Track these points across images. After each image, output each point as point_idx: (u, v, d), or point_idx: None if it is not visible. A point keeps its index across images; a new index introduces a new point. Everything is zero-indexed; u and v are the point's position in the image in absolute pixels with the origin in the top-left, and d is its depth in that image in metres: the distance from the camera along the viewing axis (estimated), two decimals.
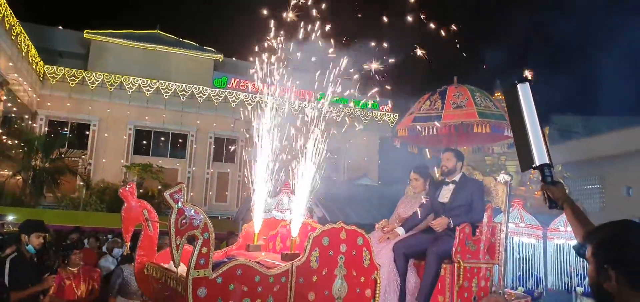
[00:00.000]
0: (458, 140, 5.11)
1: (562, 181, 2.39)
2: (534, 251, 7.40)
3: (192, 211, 2.96)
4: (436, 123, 4.69)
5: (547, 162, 2.34)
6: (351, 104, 27.98)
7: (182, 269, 3.06)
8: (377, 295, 3.59)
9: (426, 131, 4.86)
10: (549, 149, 2.39)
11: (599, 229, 1.72)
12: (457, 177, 4.60)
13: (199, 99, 25.92)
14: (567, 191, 2.32)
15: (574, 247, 1.87)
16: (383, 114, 28.67)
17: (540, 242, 7.46)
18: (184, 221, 2.92)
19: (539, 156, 2.33)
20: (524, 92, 2.42)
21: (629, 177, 20.15)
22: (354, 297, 3.47)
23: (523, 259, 7.40)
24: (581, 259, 7.39)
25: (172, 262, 3.14)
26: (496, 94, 14.30)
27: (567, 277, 7.65)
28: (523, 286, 7.45)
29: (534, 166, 2.36)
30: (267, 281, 3.12)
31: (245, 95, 25.67)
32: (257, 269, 3.11)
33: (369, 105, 28.64)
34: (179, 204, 2.92)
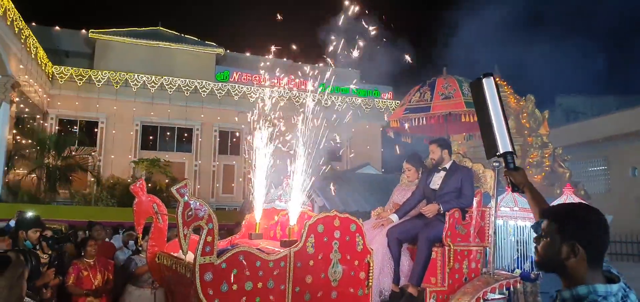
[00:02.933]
0: (448, 129, 5.36)
1: (522, 168, 2.63)
2: (529, 233, 7.62)
3: (197, 203, 3.25)
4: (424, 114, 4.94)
5: (510, 150, 2.58)
6: (352, 93, 28.25)
7: (189, 257, 3.35)
8: (370, 277, 3.86)
9: (416, 122, 5.11)
10: (512, 138, 2.64)
11: (560, 208, 1.87)
12: (447, 165, 4.85)
13: (203, 93, 26.25)
14: (527, 176, 2.57)
15: (532, 226, 2.11)
16: (385, 102, 28.85)
17: None
18: (190, 213, 3.21)
19: (503, 144, 2.58)
20: (489, 85, 2.66)
21: (634, 158, 20.16)
22: (348, 279, 3.74)
23: (519, 242, 7.63)
24: None
25: (180, 251, 3.45)
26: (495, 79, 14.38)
27: None
28: (520, 268, 7.70)
29: (498, 153, 2.60)
30: (267, 266, 3.41)
31: (248, 88, 25.95)
32: (258, 255, 3.40)
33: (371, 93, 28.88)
34: (185, 197, 3.20)
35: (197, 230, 3.25)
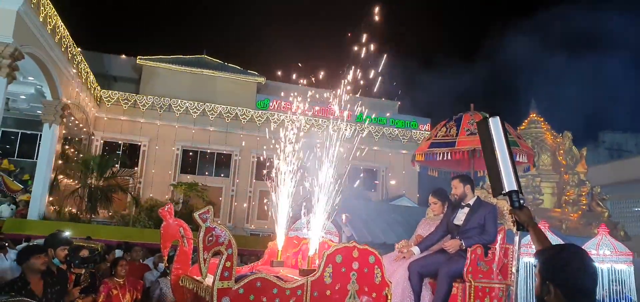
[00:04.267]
0: (474, 164, 5.34)
1: (528, 206, 2.64)
2: None
3: (218, 229, 3.38)
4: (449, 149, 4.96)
5: (515, 188, 2.61)
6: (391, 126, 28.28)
7: (209, 280, 3.48)
8: None
9: (441, 156, 5.13)
10: (518, 177, 2.66)
11: (547, 249, 2.01)
12: (471, 201, 4.84)
13: (243, 120, 26.89)
14: (531, 215, 2.58)
15: (535, 265, 2.19)
16: (423, 133, 28.65)
17: None
18: (211, 238, 3.33)
19: (508, 183, 2.60)
20: (495, 125, 2.70)
21: None
22: None
23: None
24: (608, 281, 7.36)
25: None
26: (531, 115, 14.19)
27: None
28: None
29: (503, 192, 2.63)
30: (284, 293, 3.48)
31: (287, 116, 26.41)
32: (275, 282, 3.47)
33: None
34: (207, 223, 3.33)
35: (218, 254, 3.37)
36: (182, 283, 4.12)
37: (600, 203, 12.00)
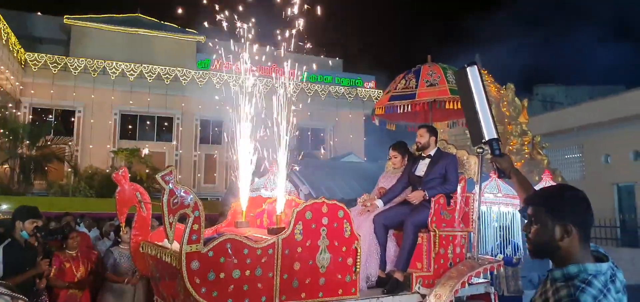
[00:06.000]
0: (433, 116, 5.38)
1: (508, 154, 2.64)
2: (511, 219, 7.72)
3: (183, 191, 3.19)
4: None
5: (495, 136, 2.60)
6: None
7: (175, 246, 3.31)
8: (358, 263, 3.88)
9: (402, 109, 5.12)
10: (497, 125, 2.66)
11: (548, 192, 1.88)
12: (432, 152, 4.87)
13: (183, 81, 25.86)
14: (513, 162, 2.59)
15: (519, 210, 2.15)
16: (368, 91, 28.91)
17: (517, 210, 7.78)
18: (176, 200, 3.15)
19: (488, 131, 2.59)
20: (473, 74, 2.67)
21: (607, 146, 20.63)
22: (336, 265, 3.75)
23: (501, 227, 7.72)
24: None
25: (165, 240, 3.39)
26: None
27: None
28: (502, 253, 7.80)
29: (484, 140, 2.62)
30: (255, 254, 3.38)
31: (229, 76, 25.64)
32: (245, 243, 3.36)
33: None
34: (170, 185, 3.14)
35: (183, 218, 3.20)
36: (143, 250, 3.92)
37: (540, 151, 12.64)
